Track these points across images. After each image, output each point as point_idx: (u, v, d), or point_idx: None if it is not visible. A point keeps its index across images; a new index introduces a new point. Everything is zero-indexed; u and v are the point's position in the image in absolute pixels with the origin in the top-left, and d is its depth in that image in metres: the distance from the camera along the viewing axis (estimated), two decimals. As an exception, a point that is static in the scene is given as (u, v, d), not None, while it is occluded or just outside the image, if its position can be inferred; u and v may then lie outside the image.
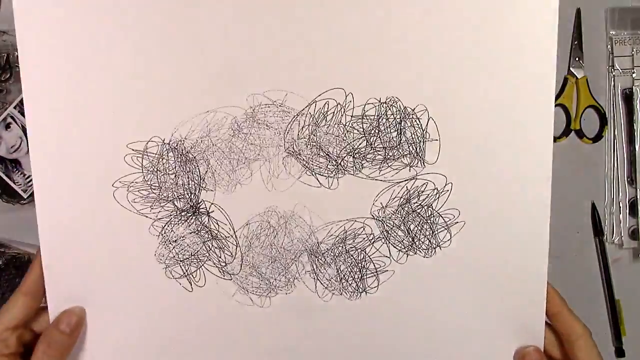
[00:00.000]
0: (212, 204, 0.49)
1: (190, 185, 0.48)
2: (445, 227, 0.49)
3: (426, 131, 0.48)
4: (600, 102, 0.72)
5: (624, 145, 0.72)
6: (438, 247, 0.49)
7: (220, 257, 0.49)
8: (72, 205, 0.48)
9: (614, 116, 0.73)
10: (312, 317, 0.50)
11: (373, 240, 0.49)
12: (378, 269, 0.49)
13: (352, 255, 0.49)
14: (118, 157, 0.48)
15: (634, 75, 0.72)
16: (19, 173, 0.68)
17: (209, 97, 0.47)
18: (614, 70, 0.72)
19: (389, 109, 0.48)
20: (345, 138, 0.48)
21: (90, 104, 0.47)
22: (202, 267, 0.49)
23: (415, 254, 0.49)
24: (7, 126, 0.67)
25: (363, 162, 0.48)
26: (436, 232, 0.49)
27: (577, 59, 0.72)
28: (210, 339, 0.50)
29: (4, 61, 0.67)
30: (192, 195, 0.48)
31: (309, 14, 0.47)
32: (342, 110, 0.48)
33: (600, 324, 0.71)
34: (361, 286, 0.49)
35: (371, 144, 0.48)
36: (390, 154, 0.48)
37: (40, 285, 0.48)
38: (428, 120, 0.48)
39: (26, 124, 0.47)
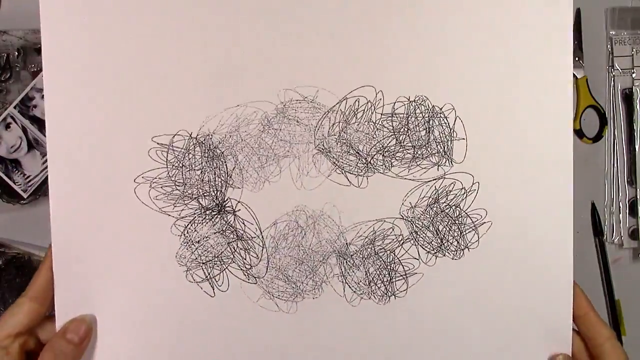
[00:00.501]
0: (238, 202, 0.46)
1: (216, 182, 0.46)
2: (473, 228, 0.48)
3: (453, 130, 0.47)
4: (600, 102, 0.72)
5: (624, 145, 0.73)
6: (466, 249, 0.48)
7: (245, 259, 0.47)
8: (89, 202, 0.45)
9: (613, 116, 0.73)
10: (339, 323, 0.48)
11: (402, 241, 0.47)
12: (407, 272, 0.47)
13: (381, 257, 0.47)
14: (142, 150, 0.45)
15: (633, 75, 0.72)
16: (19, 173, 0.66)
17: (240, 91, 0.46)
18: (614, 70, 0.73)
19: (418, 107, 0.47)
20: (375, 136, 0.47)
21: (114, 94, 0.45)
22: (226, 270, 0.47)
23: (444, 255, 0.48)
24: (7, 126, 0.66)
25: (392, 160, 0.47)
26: (464, 233, 0.48)
27: (577, 59, 0.72)
28: (232, 348, 0.47)
29: (4, 61, 0.66)
30: (218, 193, 0.46)
31: (341, 11, 0.46)
32: (372, 108, 0.46)
33: (600, 324, 0.72)
34: (390, 289, 0.48)
35: (400, 142, 0.47)
36: (419, 152, 0.47)
37: (48, 289, 0.45)
38: (455, 119, 0.47)
39: (45, 112, 0.45)
